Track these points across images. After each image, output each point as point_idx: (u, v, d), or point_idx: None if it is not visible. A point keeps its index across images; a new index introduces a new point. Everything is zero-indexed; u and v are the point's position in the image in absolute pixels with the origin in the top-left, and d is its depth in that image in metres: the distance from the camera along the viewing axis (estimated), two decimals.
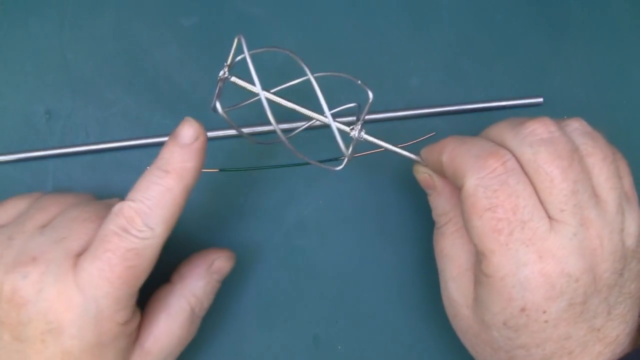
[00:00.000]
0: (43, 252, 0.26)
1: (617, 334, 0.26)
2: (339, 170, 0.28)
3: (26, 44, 0.36)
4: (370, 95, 0.28)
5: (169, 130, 0.35)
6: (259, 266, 0.35)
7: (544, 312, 0.25)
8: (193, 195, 0.35)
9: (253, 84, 0.26)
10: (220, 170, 0.35)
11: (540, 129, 0.26)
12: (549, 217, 0.25)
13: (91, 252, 0.26)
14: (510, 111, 0.36)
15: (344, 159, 0.27)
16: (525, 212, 0.25)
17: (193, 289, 0.30)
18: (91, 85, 0.35)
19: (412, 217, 0.35)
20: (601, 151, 0.27)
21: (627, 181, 0.28)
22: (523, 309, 0.25)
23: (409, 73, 0.36)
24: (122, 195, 0.35)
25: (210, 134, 0.34)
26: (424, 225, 0.35)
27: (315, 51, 0.36)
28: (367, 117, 0.35)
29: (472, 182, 0.25)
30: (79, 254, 0.26)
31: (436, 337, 0.35)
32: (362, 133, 0.28)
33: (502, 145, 0.26)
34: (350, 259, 0.35)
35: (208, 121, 0.35)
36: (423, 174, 0.30)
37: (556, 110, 0.36)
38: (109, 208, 0.28)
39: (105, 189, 0.35)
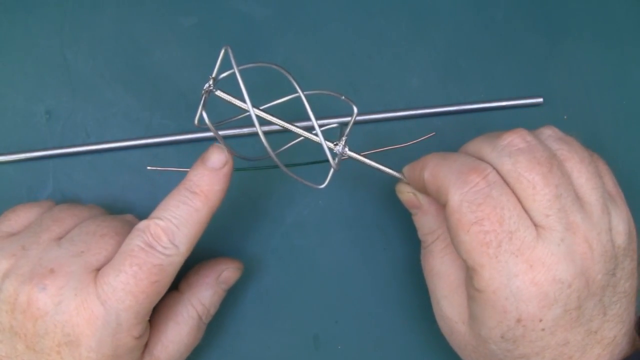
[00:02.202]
0: (61, 264, 0.27)
1: (614, 335, 0.26)
2: (322, 188, 0.28)
3: (26, 44, 0.36)
4: (355, 110, 0.28)
5: (169, 130, 0.35)
6: (259, 266, 0.35)
7: (540, 320, 0.25)
8: None
9: (239, 97, 0.25)
10: None
11: (517, 139, 0.26)
12: (535, 225, 0.25)
13: (115, 266, 0.26)
14: (510, 111, 0.36)
15: (327, 176, 0.28)
16: (512, 223, 0.25)
17: (201, 297, 0.31)
18: (91, 85, 0.35)
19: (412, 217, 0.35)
20: (577, 154, 0.27)
21: (609, 180, 0.28)
22: (519, 320, 0.25)
23: (409, 73, 0.36)
24: (122, 196, 0.35)
25: (211, 134, 0.34)
26: None
27: (315, 51, 0.36)
28: (368, 117, 0.35)
29: (456, 198, 0.25)
30: (98, 269, 0.27)
31: (436, 336, 0.35)
32: (346, 149, 0.28)
33: (482, 159, 0.26)
34: (350, 259, 0.35)
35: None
36: (407, 194, 0.30)
37: (556, 110, 0.36)
38: (125, 224, 0.29)
39: (105, 189, 0.35)
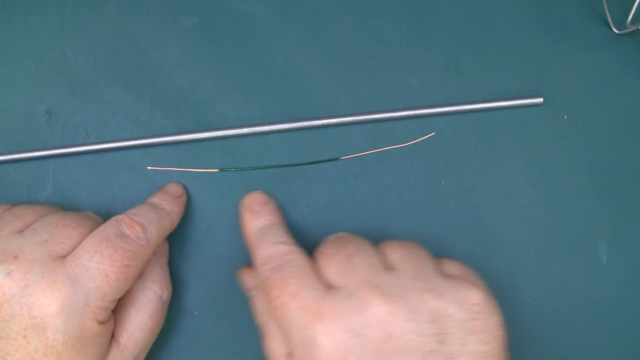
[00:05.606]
0: (24, 252, 0.27)
1: None
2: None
3: (26, 44, 0.36)
4: None
5: (169, 130, 0.35)
6: None
7: None
8: (193, 195, 0.35)
9: None
10: (220, 170, 0.35)
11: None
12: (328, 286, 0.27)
13: (89, 248, 0.27)
14: (510, 111, 0.36)
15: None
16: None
17: (152, 276, 0.32)
18: (91, 85, 0.35)
19: (412, 217, 0.35)
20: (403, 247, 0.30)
21: (444, 264, 0.30)
22: None
23: (409, 73, 0.36)
24: (122, 196, 0.35)
25: (211, 134, 0.34)
26: (424, 224, 0.35)
27: (315, 51, 0.36)
28: (368, 117, 0.35)
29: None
30: (63, 257, 0.27)
31: None
32: None
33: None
34: None
35: (208, 122, 0.35)
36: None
37: (556, 110, 0.36)
38: (86, 218, 0.30)
39: (105, 189, 0.35)
